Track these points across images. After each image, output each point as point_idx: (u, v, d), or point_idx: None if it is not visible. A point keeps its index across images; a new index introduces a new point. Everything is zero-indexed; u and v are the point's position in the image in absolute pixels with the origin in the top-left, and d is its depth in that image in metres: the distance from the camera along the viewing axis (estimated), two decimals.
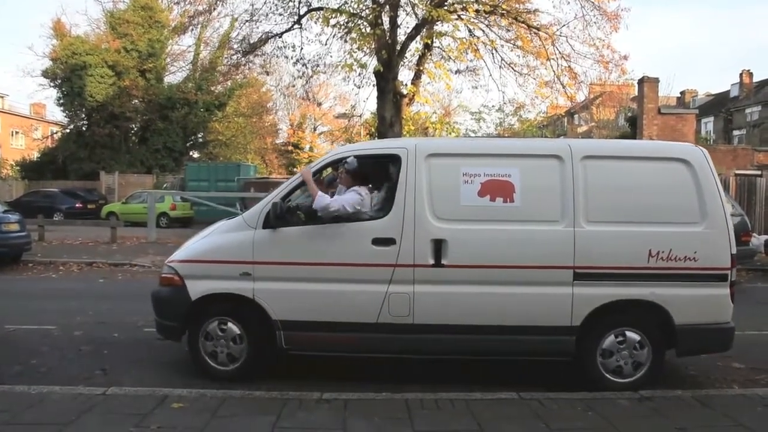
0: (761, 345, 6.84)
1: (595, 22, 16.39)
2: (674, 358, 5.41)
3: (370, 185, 5.61)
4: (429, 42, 16.88)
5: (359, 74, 16.83)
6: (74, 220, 21.41)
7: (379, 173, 5.72)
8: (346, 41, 16.32)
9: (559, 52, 16.87)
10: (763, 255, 13.22)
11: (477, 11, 16.45)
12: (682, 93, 49.27)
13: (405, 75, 18.28)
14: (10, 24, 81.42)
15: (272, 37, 17.47)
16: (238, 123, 37.37)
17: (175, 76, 35.90)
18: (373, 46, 16.02)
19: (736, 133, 42.74)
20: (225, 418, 4.29)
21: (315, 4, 16.86)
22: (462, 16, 16.58)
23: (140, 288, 9.12)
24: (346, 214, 5.19)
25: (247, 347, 5.26)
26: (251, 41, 17.62)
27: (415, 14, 16.30)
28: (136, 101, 32.30)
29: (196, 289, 5.23)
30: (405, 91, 17.27)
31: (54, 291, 10.21)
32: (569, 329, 5.03)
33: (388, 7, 15.64)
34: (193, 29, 21.72)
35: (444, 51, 17.62)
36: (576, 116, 45.66)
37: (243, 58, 18.67)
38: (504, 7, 16.23)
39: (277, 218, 5.10)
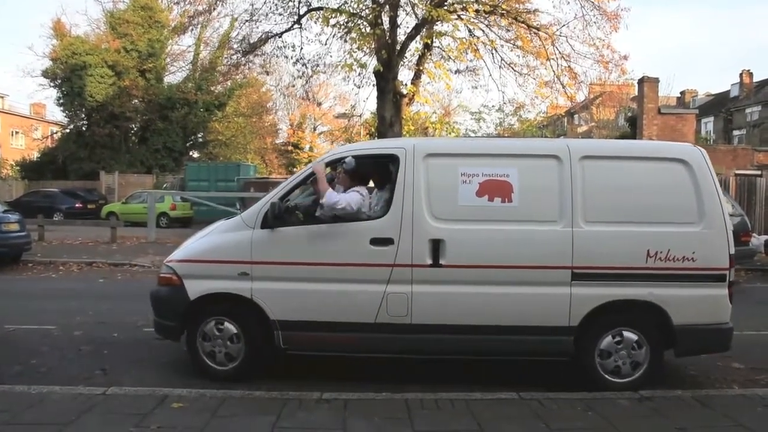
0: (761, 345, 6.84)
1: (595, 22, 16.43)
2: (674, 358, 5.42)
3: (369, 185, 5.62)
4: (429, 42, 16.89)
5: (359, 74, 16.87)
6: (74, 220, 21.42)
7: (377, 173, 5.73)
8: (346, 41, 16.34)
9: (559, 52, 16.89)
10: (763, 255, 13.22)
11: (477, 11, 16.46)
12: (682, 93, 49.28)
13: (405, 75, 18.33)
14: (10, 24, 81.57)
15: (272, 36, 17.49)
16: (238, 123, 37.38)
17: (175, 76, 36.00)
18: (373, 46, 16.02)
19: (736, 133, 42.75)
20: (225, 418, 4.29)
21: (315, 4, 16.88)
22: (462, 16, 16.59)
23: (140, 288, 9.12)
24: (351, 212, 5.20)
25: (244, 347, 5.26)
26: (251, 41, 17.63)
27: (415, 14, 16.32)
28: (136, 101, 32.31)
29: (195, 288, 5.24)
30: (405, 91, 17.28)
31: (54, 291, 10.22)
32: (567, 329, 5.03)
33: (388, 7, 15.64)
34: (193, 29, 21.75)
35: (444, 51, 17.65)
36: (576, 116, 45.67)
37: (243, 58, 18.68)
38: (504, 7, 16.23)
39: (275, 218, 5.10)
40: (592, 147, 5.76)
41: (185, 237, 6.27)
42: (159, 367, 5.82)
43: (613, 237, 5.05)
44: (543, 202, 5.11)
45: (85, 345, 6.53)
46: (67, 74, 31.17)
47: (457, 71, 18.20)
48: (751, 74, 44.72)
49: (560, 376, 5.44)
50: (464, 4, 16.53)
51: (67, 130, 34.22)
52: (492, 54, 17.33)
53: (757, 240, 12.48)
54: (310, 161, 27.31)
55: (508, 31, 16.96)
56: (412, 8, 16.22)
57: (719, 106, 46.00)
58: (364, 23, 15.58)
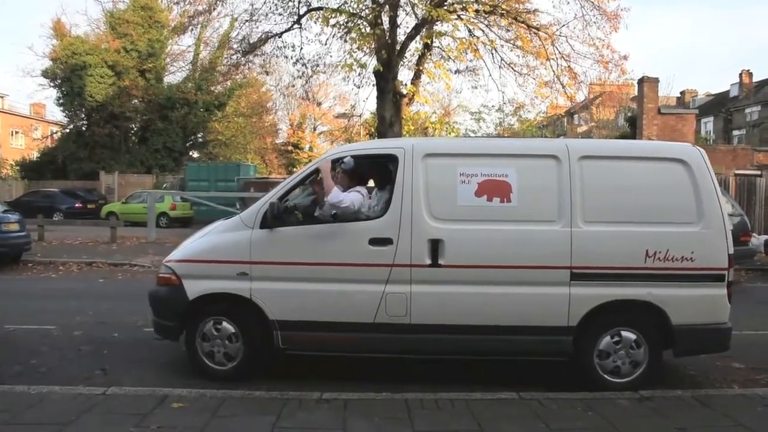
0: (761, 345, 6.84)
1: (594, 22, 16.43)
2: (674, 358, 5.42)
3: (368, 185, 5.62)
4: (429, 42, 16.89)
5: (359, 74, 16.87)
6: (74, 220, 21.39)
7: (376, 173, 5.74)
8: (345, 41, 16.34)
9: (559, 52, 16.89)
10: (763, 255, 13.21)
11: (477, 11, 16.46)
12: (682, 93, 49.28)
13: (405, 75, 18.35)
14: (10, 24, 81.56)
15: (272, 36, 17.49)
16: (238, 123, 37.38)
17: (174, 76, 35.99)
18: (372, 46, 16.03)
19: (735, 133, 42.76)
20: (225, 418, 4.29)
21: (315, 4, 16.89)
22: (462, 16, 16.59)
23: (140, 288, 9.07)
24: (353, 212, 5.21)
25: (242, 347, 5.26)
26: (251, 41, 17.63)
27: (415, 14, 16.33)
28: (136, 101, 32.31)
29: (194, 288, 5.24)
30: (405, 91, 17.28)
31: (54, 291, 10.22)
32: (566, 329, 5.04)
33: (387, 7, 15.65)
34: (192, 29, 21.74)
35: (444, 51, 17.65)
36: (576, 116, 45.65)
37: (243, 58, 18.69)
38: (504, 7, 16.23)
39: (274, 218, 5.10)
40: (591, 147, 5.76)
41: (185, 237, 6.26)
42: (159, 367, 5.82)
43: (612, 237, 5.05)
44: (542, 202, 5.12)
45: (85, 345, 6.53)
46: (67, 74, 31.17)
47: (457, 71, 18.22)
48: (750, 74, 44.73)
49: (560, 376, 5.44)
50: (464, 4, 16.53)
51: (67, 130, 34.21)
52: (492, 54, 17.37)
53: (756, 240, 12.46)
54: (310, 161, 27.29)
55: (507, 31, 16.97)
56: (412, 8, 16.24)
57: (719, 106, 46.01)
58: (364, 23, 15.59)
